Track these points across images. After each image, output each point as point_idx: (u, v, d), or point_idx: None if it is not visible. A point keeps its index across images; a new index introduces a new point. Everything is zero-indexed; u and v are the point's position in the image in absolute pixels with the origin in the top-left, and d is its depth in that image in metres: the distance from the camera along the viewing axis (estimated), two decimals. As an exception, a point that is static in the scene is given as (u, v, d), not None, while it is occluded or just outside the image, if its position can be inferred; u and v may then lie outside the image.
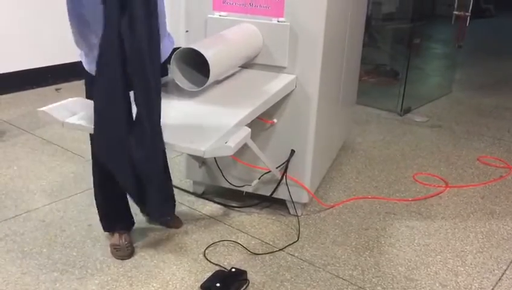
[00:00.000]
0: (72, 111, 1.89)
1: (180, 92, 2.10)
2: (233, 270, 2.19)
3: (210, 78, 2.00)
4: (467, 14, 4.38)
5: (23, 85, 4.56)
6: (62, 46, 4.70)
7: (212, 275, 2.17)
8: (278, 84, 2.33)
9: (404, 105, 4.40)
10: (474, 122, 4.30)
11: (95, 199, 2.39)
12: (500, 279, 2.29)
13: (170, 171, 2.55)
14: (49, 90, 4.65)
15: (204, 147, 1.67)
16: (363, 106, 4.41)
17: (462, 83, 5.40)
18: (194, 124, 1.90)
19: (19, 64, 4.51)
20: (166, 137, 1.75)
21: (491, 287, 2.23)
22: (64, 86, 4.75)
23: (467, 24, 4.45)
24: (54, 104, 1.90)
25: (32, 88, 4.62)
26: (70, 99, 1.97)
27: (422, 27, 4.98)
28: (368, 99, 4.49)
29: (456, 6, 4.51)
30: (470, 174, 3.31)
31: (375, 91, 4.82)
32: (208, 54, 1.98)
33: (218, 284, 2.07)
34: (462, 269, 2.34)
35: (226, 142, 1.70)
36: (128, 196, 2.25)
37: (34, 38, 4.55)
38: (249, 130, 1.82)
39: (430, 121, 4.28)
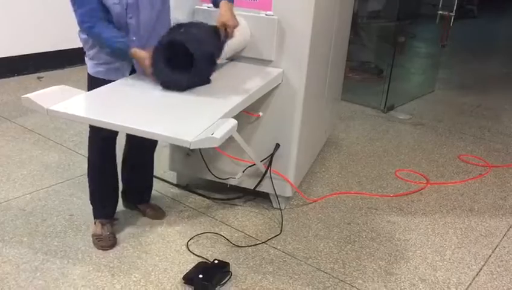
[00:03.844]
0: (57, 99, 1.86)
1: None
2: (216, 262, 2.20)
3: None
4: (451, 14, 4.43)
5: (4, 73, 4.48)
6: (44, 34, 4.65)
7: (195, 267, 2.18)
8: (264, 77, 2.34)
9: (387, 102, 4.45)
10: (455, 120, 4.37)
11: (89, 184, 2.37)
12: (477, 274, 2.34)
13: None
14: (31, 78, 4.57)
15: (191, 138, 1.67)
16: (347, 102, 4.45)
17: (445, 82, 5.47)
18: (180, 116, 1.90)
19: (0, 52, 4.43)
20: (154, 128, 1.74)
21: (469, 282, 2.28)
22: (46, 74, 4.68)
23: (451, 24, 4.50)
24: (39, 91, 1.88)
25: (14, 76, 4.54)
26: (54, 87, 1.96)
27: (407, 26, 5.03)
28: (353, 95, 4.52)
29: (440, 6, 4.57)
30: (451, 172, 3.37)
31: (360, 88, 4.86)
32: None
33: (200, 276, 2.08)
34: (441, 264, 2.39)
35: (212, 134, 1.70)
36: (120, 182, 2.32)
37: (15, 25, 4.46)
38: (236, 122, 1.83)
39: (412, 119, 4.33)
